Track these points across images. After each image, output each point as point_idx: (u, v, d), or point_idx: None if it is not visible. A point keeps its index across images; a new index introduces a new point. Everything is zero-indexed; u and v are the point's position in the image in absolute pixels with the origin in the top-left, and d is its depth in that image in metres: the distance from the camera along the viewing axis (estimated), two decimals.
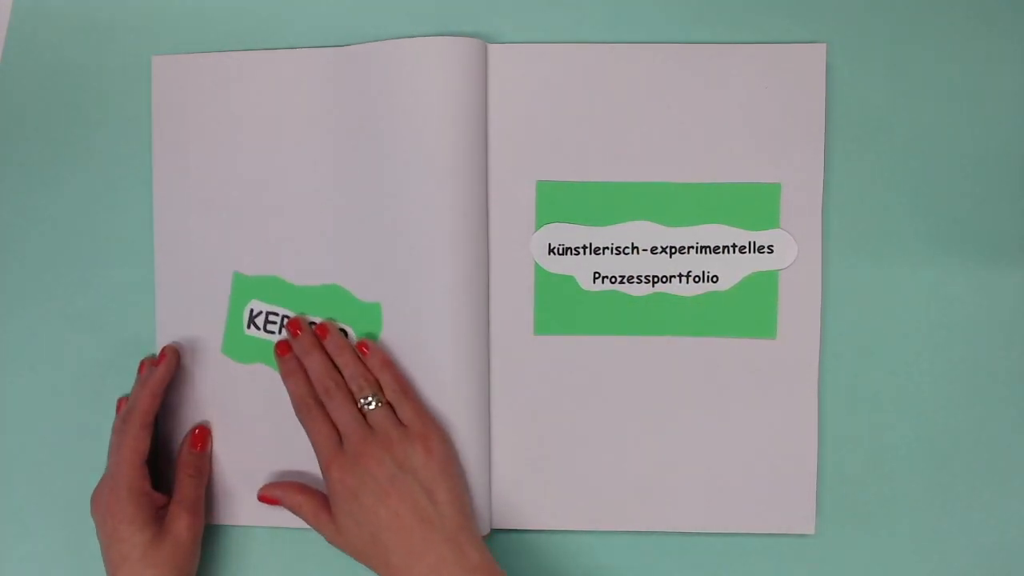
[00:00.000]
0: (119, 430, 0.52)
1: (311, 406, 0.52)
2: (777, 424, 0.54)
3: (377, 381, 0.52)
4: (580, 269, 0.54)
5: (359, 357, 0.53)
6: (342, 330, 0.54)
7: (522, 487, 0.55)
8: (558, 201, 0.54)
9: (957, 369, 0.54)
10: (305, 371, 0.53)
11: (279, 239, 0.55)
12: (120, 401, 0.55)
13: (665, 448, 0.54)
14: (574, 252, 0.54)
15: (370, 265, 0.54)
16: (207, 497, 0.54)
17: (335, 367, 0.53)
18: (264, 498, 0.53)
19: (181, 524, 0.51)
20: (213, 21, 0.56)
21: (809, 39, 0.55)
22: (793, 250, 0.53)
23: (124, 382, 0.56)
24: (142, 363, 0.55)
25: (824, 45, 0.54)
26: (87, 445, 0.56)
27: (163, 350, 0.55)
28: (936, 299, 0.55)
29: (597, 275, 0.54)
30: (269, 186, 0.55)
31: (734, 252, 0.54)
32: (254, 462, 0.55)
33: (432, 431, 0.51)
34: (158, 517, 0.51)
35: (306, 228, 0.55)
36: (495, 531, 0.55)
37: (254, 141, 0.55)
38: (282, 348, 0.54)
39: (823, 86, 0.54)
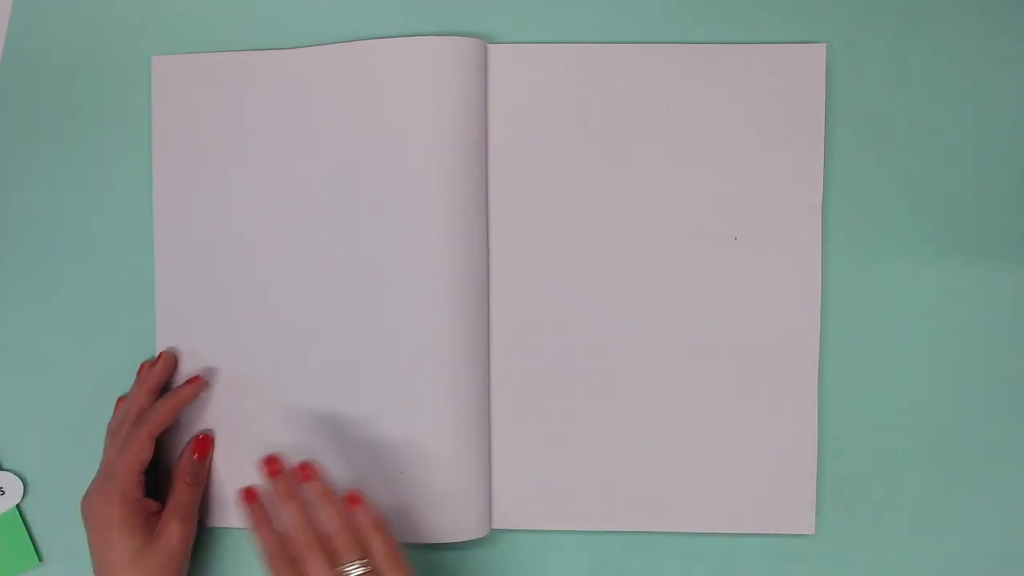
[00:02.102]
0: (127, 435, 0.52)
1: (281, 565, 0.46)
2: (777, 424, 0.54)
3: (364, 544, 0.46)
4: None
5: (345, 511, 0.47)
6: None
7: (522, 487, 0.55)
8: None
9: (957, 369, 0.54)
10: (272, 520, 0.48)
11: (278, 238, 0.55)
12: (119, 401, 0.55)
13: (665, 448, 0.54)
14: None
15: (367, 264, 0.54)
16: (203, 500, 0.54)
17: (311, 518, 0.47)
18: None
19: (172, 531, 0.50)
20: (213, 21, 0.56)
21: (809, 39, 0.55)
22: None
23: (124, 382, 0.56)
24: (142, 365, 0.55)
25: (824, 45, 0.54)
26: (87, 446, 0.56)
27: (161, 353, 0.55)
28: (936, 299, 0.55)
29: None
30: (268, 185, 0.55)
31: None
32: (250, 465, 0.55)
33: None
34: (149, 523, 0.50)
35: (304, 226, 0.55)
36: (495, 531, 0.55)
37: (254, 140, 0.55)
38: (249, 495, 0.50)
39: (823, 86, 0.54)
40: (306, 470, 0.49)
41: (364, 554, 0.45)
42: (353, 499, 0.47)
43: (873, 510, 0.54)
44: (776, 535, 0.54)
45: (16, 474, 0.55)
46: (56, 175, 0.57)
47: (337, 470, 0.54)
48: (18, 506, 0.55)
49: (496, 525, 0.55)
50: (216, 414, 0.55)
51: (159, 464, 0.54)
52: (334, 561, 0.45)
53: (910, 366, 0.54)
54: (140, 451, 0.50)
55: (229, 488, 0.55)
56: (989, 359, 0.54)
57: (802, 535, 0.54)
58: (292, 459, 0.51)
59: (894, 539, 0.54)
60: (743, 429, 0.54)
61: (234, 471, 0.55)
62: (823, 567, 0.54)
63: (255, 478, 0.54)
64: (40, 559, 0.55)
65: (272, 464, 0.50)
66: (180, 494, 0.52)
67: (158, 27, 0.56)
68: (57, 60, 0.57)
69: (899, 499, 0.54)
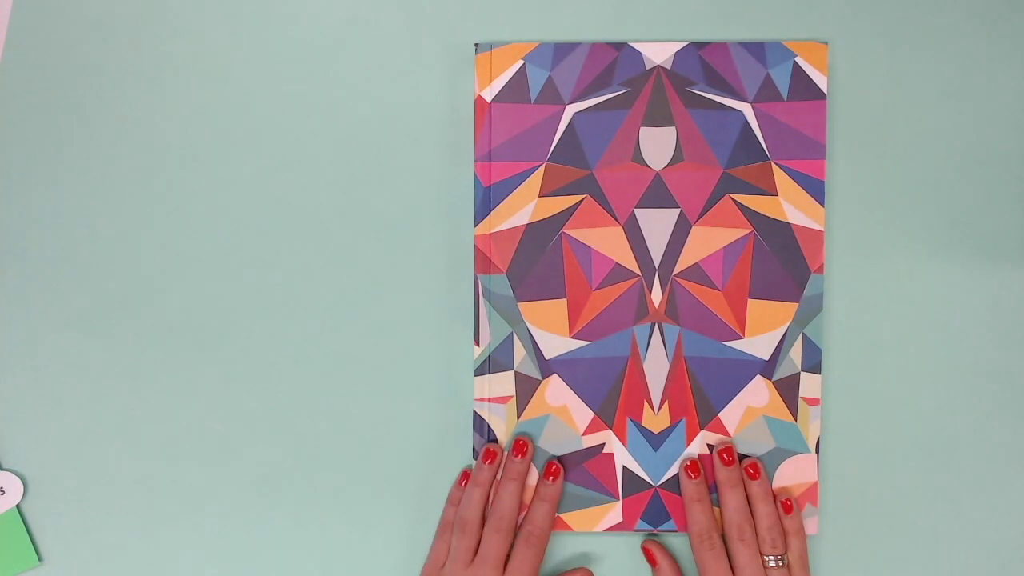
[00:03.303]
0: (520, 556, 0.51)
1: (716, 542, 0.52)
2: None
3: (786, 543, 0.52)
4: None
5: (776, 511, 0.52)
6: None
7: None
8: None
9: (957, 369, 0.55)
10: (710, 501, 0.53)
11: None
12: (464, 479, 0.54)
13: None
14: None
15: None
16: None
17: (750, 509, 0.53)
18: (648, 551, 0.54)
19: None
20: (219, 19, 0.56)
21: (810, 39, 0.55)
22: None
23: (123, 383, 0.56)
24: (488, 450, 0.53)
25: (825, 45, 0.54)
26: (87, 446, 0.55)
27: (519, 439, 0.53)
28: (936, 299, 0.55)
29: None
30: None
31: None
32: None
33: None
34: None
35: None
36: None
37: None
38: (695, 469, 0.53)
39: (823, 86, 0.54)
40: (755, 468, 0.53)
41: (784, 552, 0.51)
42: (789, 503, 0.53)
43: (873, 510, 0.54)
44: None
45: (16, 474, 0.55)
46: (55, 174, 0.57)
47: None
48: (18, 506, 0.55)
49: None
50: None
51: None
52: (761, 549, 0.51)
53: (910, 366, 0.55)
54: (537, 562, 0.52)
55: None
56: (990, 359, 0.54)
57: None
58: None
59: (894, 539, 0.54)
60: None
61: None
62: (823, 567, 0.54)
63: None
64: (40, 559, 0.55)
65: (730, 453, 0.53)
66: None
67: (158, 26, 0.56)
68: (57, 59, 0.57)
69: (900, 499, 0.54)
